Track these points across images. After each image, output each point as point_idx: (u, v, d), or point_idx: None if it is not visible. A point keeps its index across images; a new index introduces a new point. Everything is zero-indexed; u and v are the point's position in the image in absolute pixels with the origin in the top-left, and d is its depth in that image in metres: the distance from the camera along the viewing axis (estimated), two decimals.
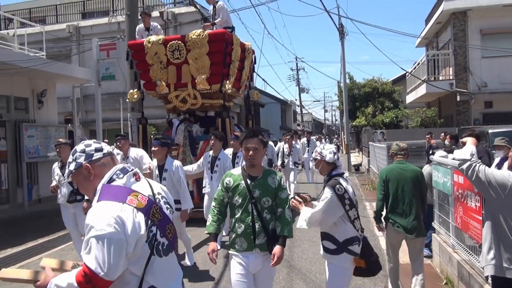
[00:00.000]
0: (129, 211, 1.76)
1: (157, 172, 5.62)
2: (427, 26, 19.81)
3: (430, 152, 9.65)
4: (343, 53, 21.63)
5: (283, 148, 11.24)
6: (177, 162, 5.64)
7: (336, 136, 57.35)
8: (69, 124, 15.49)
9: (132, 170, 1.96)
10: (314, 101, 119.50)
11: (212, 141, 6.70)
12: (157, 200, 1.94)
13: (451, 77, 17.19)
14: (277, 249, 3.20)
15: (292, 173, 11.07)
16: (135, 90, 9.32)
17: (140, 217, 1.78)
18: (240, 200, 3.29)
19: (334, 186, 3.32)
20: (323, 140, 24.88)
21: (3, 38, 11.32)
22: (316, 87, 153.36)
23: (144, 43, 8.73)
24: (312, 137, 15.34)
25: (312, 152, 11.09)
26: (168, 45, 8.56)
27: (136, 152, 6.75)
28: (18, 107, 11.65)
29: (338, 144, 26.81)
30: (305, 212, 3.44)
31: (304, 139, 14.68)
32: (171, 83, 8.78)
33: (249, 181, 3.29)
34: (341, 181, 3.39)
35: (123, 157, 6.57)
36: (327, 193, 3.32)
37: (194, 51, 8.40)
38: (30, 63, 10.09)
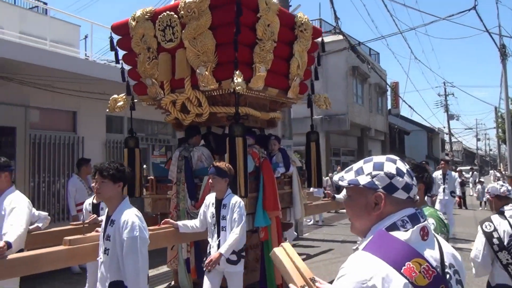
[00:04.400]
0: (397, 284, 1.19)
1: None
2: None
3: None
4: (505, 76, 19.59)
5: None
6: None
7: (494, 168, 51.61)
8: None
9: (424, 221, 1.35)
10: (465, 129, 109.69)
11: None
12: (447, 276, 1.30)
13: None
14: None
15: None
16: (121, 95, 5.83)
17: None
18: None
19: (482, 223, 3.09)
20: (471, 173, 22.53)
21: None
22: (467, 114, 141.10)
23: (129, 21, 5.41)
24: (450, 170, 10.72)
25: (451, 191, 10.03)
26: (157, 21, 5.19)
27: (11, 199, 3.60)
28: None
29: (500, 177, 23.93)
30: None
31: (438, 172, 10.08)
32: (164, 80, 5.33)
33: None
34: (496, 217, 3.09)
35: None
36: (479, 230, 3.12)
37: (191, 25, 4.87)
38: None
